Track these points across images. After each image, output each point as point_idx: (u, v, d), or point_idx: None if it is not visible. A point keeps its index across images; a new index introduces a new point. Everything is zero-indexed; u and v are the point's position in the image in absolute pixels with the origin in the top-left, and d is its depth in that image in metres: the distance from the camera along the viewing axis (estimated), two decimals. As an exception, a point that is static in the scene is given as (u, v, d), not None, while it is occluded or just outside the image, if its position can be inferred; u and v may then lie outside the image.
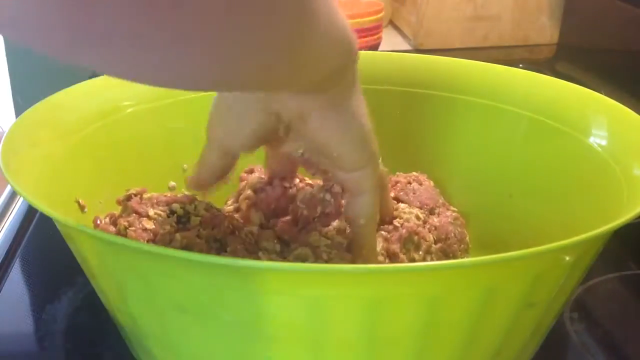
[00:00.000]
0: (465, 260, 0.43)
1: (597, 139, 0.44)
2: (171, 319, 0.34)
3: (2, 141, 0.38)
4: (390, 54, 0.61)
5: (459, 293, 0.32)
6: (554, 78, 0.50)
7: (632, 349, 0.47)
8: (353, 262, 0.40)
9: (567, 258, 0.33)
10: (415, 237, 0.42)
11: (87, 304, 0.49)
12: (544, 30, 1.08)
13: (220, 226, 0.41)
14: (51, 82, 0.48)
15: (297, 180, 0.45)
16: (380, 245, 0.41)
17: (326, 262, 0.39)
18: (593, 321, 0.49)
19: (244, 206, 0.45)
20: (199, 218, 0.41)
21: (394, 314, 0.32)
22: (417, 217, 0.44)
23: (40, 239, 0.58)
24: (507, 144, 0.51)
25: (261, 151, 0.42)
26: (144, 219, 0.41)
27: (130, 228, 0.40)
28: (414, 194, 0.47)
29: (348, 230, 0.41)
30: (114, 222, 0.42)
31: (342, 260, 0.39)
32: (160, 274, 0.33)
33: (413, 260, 0.42)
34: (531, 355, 0.40)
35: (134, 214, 0.41)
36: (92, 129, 0.47)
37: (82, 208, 0.43)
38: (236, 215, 0.44)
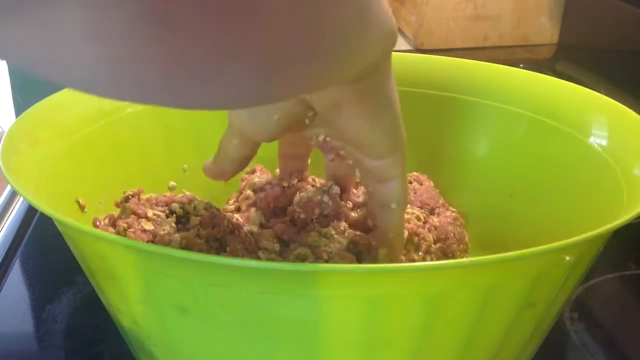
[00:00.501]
0: (465, 260, 0.43)
1: (597, 139, 0.44)
2: (171, 319, 0.34)
3: (2, 141, 0.38)
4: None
5: (459, 293, 0.32)
6: (554, 78, 0.50)
7: (632, 349, 0.47)
8: (376, 247, 0.39)
9: (567, 258, 0.33)
10: (416, 238, 0.42)
11: (87, 304, 0.49)
12: (544, 30, 1.08)
13: (219, 226, 0.41)
14: (51, 82, 0.48)
15: (296, 181, 0.45)
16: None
17: (326, 262, 0.38)
18: (593, 321, 0.49)
19: (244, 206, 0.45)
20: (198, 218, 0.41)
21: (393, 313, 0.32)
22: (418, 218, 0.44)
23: (40, 239, 0.58)
24: (507, 144, 0.51)
25: (262, 151, 0.42)
26: (143, 220, 0.41)
27: (129, 229, 0.40)
28: (414, 193, 0.47)
29: (347, 231, 0.41)
30: (113, 224, 0.42)
31: (343, 260, 0.39)
32: (160, 273, 0.33)
33: (413, 260, 0.42)
34: (531, 356, 0.40)
35: (133, 215, 0.41)
36: (92, 128, 0.47)
37: (82, 208, 0.43)
38: (236, 215, 0.44)
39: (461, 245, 0.46)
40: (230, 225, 0.42)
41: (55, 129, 0.44)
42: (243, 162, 0.40)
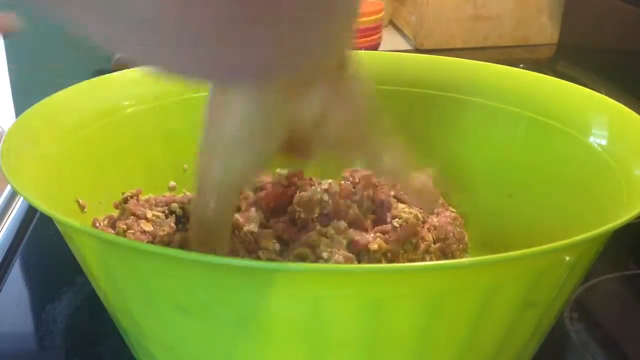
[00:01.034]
0: (465, 260, 0.43)
1: (597, 139, 0.44)
2: (170, 319, 0.34)
3: (2, 141, 0.38)
4: (389, 53, 0.61)
5: (459, 293, 0.32)
6: (554, 78, 0.50)
7: (632, 349, 0.47)
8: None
9: (567, 258, 0.33)
10: (414, 239, 0.42)
11: (87, 304, 0.49)
12: (544, 30, 1.08)
13: None
14: (51, 82, 0.48)
15: (296, 179, 0.45)
16: (378, 246, 0.41)
17: (326, 261, 0.38)
18: (593, 321, 0.49)
19: (243, 206, 0.45)
20: None
21: (394, 314, 0.31)
22: (416, 217, 0.44)
23: (40, 239, 0.58)
24: (506, 143, 0.51)
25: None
26: (142, 221, 0.41)
27: (129, 231, 0.40)
28: None
29: (348, 231, 0.41)
30: (113, 225, 0.42)
31: (343, 260, 0.39)
32: (160, 273, 0.33)
33: (412, 260, 0.42)
34: (531, 355, 0.40)
35: (132, 217, 0.41)
36: (92, 129, 0.47)
37: (82, 208, 0.43)
38: (236, 215, 0.44)
39: (460, 245, 0.46)
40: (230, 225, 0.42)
41: (55, 129, 0.44)
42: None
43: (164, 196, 0.44)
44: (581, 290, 0.50)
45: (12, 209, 0.63)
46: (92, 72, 0.56)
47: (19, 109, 0.59)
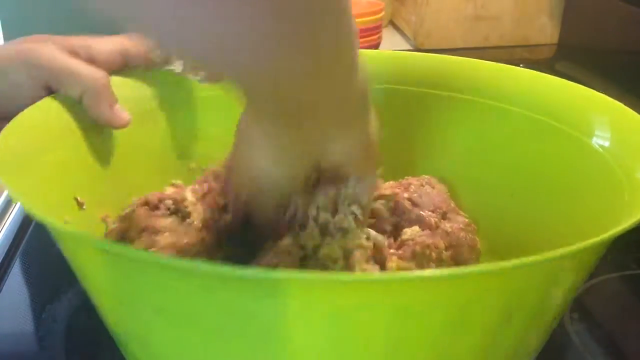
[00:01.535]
0: (492, 264, 0.41)
1: (599, 140, 0.44)
2: (152, 323, 0.34)
3: None
4: (390, 52, 0.61)
5: (487, 298, 0.30)
6: (557, 77, 0.50)
7: (632, 349, 0.47)
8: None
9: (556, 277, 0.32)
10: (427, 250, 0.42)
11: (87, 304, 0.49)
12: (544, 30, 1.08)
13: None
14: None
15: None
16: (394, 264, 0.40)
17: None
18: (593, 321, 0.49)
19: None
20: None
21: (359, 325, 0.30)
22: (427, 226, 0.43)
23: (40, 239, 0.58)
24: (507, 144, 0.51)
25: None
26: (160, 234, 0.40)
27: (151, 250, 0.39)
28: (427, 196, 0.46)
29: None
30: (123, 238, 0.41)
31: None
32: (139, 278, 0.32)
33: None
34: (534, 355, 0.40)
35: (144, 232, 0.40)
36: (89, 130, 0.45)
37: (80, 205, 0.43)
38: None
39: (473, 255, 0.44)
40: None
41: (51, 130, 0.44)
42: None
43: (161, 193, 0.43)
44: (581, 290, 0.50)
45: (12, 209, 0.63)
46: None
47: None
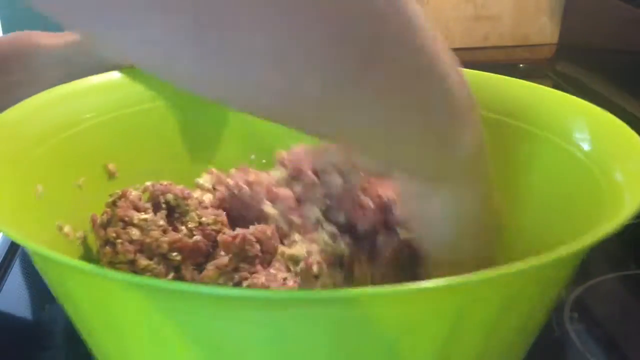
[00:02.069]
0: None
1: (579, 145, 0.43)
2: (123, 336, 0.34)
3: None
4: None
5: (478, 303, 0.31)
6: (532, 83, 0.49)
7: (632, 349, 0.47)
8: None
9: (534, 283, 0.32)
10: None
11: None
12: (544, 30, 1.08)
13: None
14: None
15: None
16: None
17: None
18: (593, 321, 0.49)
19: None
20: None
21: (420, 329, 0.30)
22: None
23: (40, 239, 0.58)
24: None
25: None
26: (130, 228, 0.40)
27: (117, 240, 0.40)
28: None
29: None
30: (104, 228, 0.41)
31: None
32: (114, 294, 0.31)
33: (417, 274, 0.40)
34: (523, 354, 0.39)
35: (121, 222, 0.41)
36: (56, 141, 0.44)
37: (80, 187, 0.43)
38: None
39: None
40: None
41: (18, 141, 0.41)
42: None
43: (160, 184, 0.43)
44: (581, 290, 0.50)
45: (12, 209, 0.63)
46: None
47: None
